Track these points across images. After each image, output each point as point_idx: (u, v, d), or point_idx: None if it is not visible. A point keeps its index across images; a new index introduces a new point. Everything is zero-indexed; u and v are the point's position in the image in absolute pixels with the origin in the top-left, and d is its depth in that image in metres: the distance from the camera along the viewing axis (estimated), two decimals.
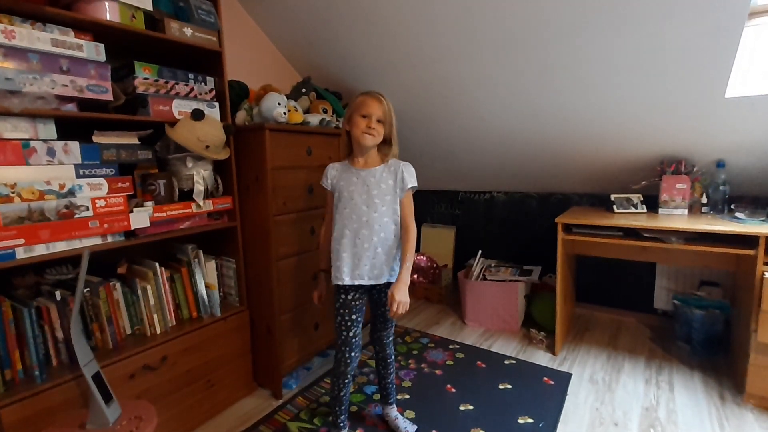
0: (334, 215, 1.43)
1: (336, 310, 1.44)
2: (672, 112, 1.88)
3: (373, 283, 1.40)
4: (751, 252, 1.64)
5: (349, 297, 1.41)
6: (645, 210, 2.15)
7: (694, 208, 2.08)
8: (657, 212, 2.11)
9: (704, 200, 2.05)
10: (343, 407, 1.50)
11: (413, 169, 1.42)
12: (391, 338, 1.56)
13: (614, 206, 2.19)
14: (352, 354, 1.43)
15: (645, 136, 2.07)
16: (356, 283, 1.38)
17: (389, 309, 1.34)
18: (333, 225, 1.44)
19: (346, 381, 1.46)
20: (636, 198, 2.20)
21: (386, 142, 1.41)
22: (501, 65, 1.97)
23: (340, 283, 1.39)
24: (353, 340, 1.42)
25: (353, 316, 1.42)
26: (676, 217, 1.97)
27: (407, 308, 1.33)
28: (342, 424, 1.52)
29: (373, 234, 1.36)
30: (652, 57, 1.67)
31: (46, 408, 1.21)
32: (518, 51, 1.86)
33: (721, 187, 2.00)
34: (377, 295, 1.47)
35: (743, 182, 2.08)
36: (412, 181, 1.39)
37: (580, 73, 1.86)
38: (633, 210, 2.16)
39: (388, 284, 1.42)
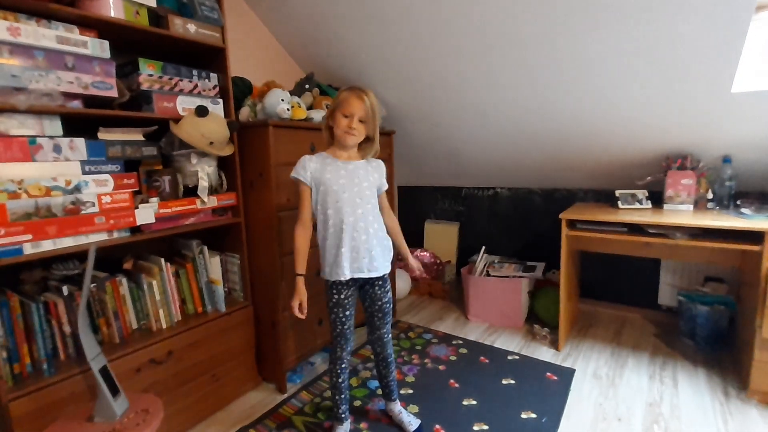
0: (324, 210, 1.37)
1: (330, 309, 1.44)
2: (678, 107, 1.86)
3: (374, 275, 1.41)
4: (757, 248, 1.63)
5: (342, 296, 1.41)
6: (650, 206, 2.14)
7: (699, 204, 2.06)
8: (662, 208, 2.10)
9: (710, 196, 2.03)
10: (343, 396, 1.51)
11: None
12: (390, 335, 1.55)
13: (619, 202, 2.18)
14: (349, 341, 1.47)
15: (650, 132, 2.05)
16: (356, 276, 1.38)
17: (413, 274, 1.62)
18: (319, 221, 1.39)
19: (343, 366, 1.48)
20: (641, 194, 2.18)
21: (367, 140, 1.40)
22: (505, 61, 1.96)
23: (341, 279, 1.37)
24: (348, 330, 1.45)
25: (347, 312, 1.43)
26: (681, 213, 1.96)
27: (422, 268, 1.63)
28: (344, 416, 1.53)
29: (369, 226, 1.38)
30: (658, 51, 1.65)
31: (54, 401, 1.23)
32: (522, 47, 1.85)
33: (727, 183, 1.99)
34: (372, 289, 1.46)
35: (749, 178, 2.07)
36: (386, 183, 1.51)
37: (584, 68, 1.85)
38: (638, 206, 2.15)
39: (384, 277, 1.46)
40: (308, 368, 2.02)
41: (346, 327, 1.44)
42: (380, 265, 1.42)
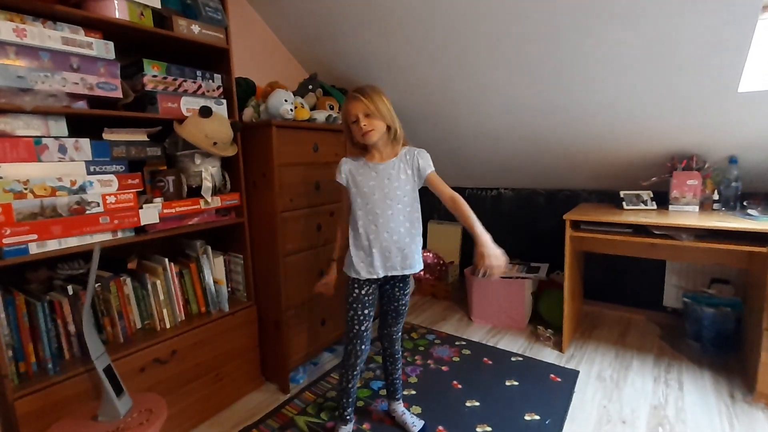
0: (355, 211, 1.40)
1: (348, 305, 1.44)
2: (684, 107, 1.85)
3: (407, 272, 1.42)
4: (764, 249, 1.61)
5: (363, 292, 1.41)
6: (655, 207, 2.13)
7: (705, 205, 2.04)
8: (667, 209, 2.08)
9: (716, 197, 2.01)
10: (350, 399, 1.51)
11: (428, 155, 1.44)
12: (400, 333, 1.57)
13: (623, 203, 2.17)
14: (363, 347, 1.45)
15: (655, 132, 2.04)
16: (389, 274, 1.40)
17: (481, 269, 1.23)
18: (351, 221, 1.43)
19: (355, 373, 1.48)
20: (646, 194, 2.17)
21: (388, 129, 1.39)
22: (508, 61, 1.95)
23: (374, 276, 1.38)
24: (365, 333, 1.44)
25: (366, 311, 1.42)
26: (686, 214, 1.94)
27: (502, 258, 1.23)
28: (349, 417, 1.53)
29: (400, 225, 1.38)
30: (664, 51, 1.64)
31: (58, 400, 1.24)
32: (526, 45, 1.84)
33: (733, 184, 1.97)
34: (391, 290, 1.47)
35: (756, 178, 2.05)
36: (429, 166, 1.42)
37: (589, 68, 1.84)
38: (643, 207, 2.14)
39: (404, 278, 1.46)
40: (311, 368, 2.02)
41: (362, 328, 1.43)
42: (415, 263, 1.42)
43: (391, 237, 1.37)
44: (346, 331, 1.46)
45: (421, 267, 1.46)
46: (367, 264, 1.39)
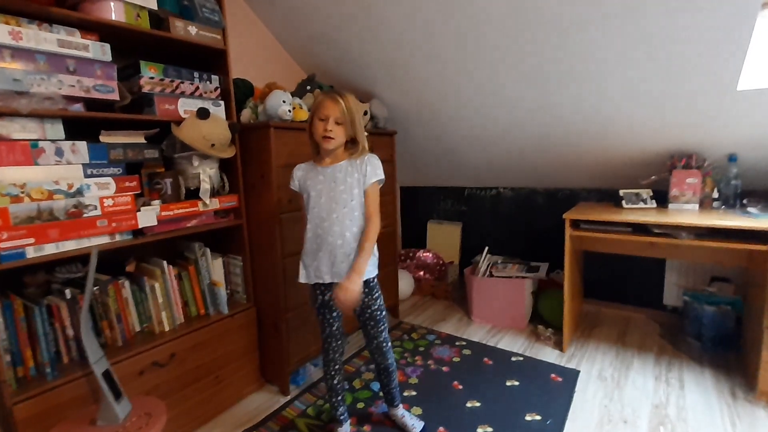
0: (306, 215, 1.41)
1: (317, 310, 1.45)
2: (683, 105, 1.84)
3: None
4: (764, 247, 1.61)
5: (326, 297, 1.41)
6: (654, 205, 2.12)
7: (704, 203, 2.04)
8: (667, 207, 2.08)
9: (715, 195, 2.01)
10: (339, 398, 1.51)
11: (378, 161, 1.38)
12: (388, 343, 1.48)
13: (623, 201, 2.16)
14: (339, 342, 1.47)
15: (655, 130, 2.04)
16: (335, 281, 1.35)
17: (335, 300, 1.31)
18: (305, 227, 1.41)
19: (337, 367, 1.49)
20: (645, 193, 2.17)
21: (353, 142, 1.36)
22: (508, 59, 1.95)
23: (320, 281, 1.38)
24: (337, 331, 1.46)
25: (334, 313, 1.44)
26: (686, 213, 1.94)
27: (354, 299, 1.27)
28: (342, 417, 1.53)
29: (345, 230, 1.33)
30: (663, 49, 1.63)
31: (57, 404, 1.23)
32: (526, 44, 1.84)
33: (732, 182, 1.97)
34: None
35: (755, 176, 2.04)
36: (375, 175, 1.36)
37: (588, 67, 1.83)
38: (642, 205, 2.13)
39: (368, 284, 1.40)
40: (311, 370, 2.02)
41: (334, 328, 1.45)
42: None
43: (335, 241, 1.33)
44: (320, 334, 1.47)
45: (374, 274, 1.40)
46: (313, 269, 1.38)
